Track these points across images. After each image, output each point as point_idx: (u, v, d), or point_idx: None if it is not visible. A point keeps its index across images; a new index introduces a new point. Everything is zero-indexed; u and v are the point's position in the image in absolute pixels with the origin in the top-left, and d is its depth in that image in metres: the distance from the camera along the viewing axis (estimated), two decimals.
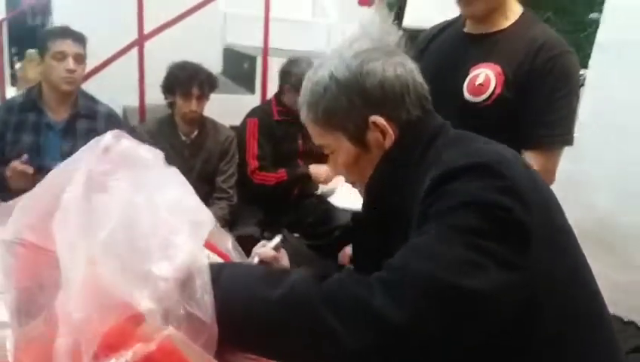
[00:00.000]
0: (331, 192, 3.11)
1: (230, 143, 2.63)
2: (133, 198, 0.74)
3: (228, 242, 1.26)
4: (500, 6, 1.53)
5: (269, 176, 2.66)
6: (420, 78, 0.95)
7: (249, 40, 3.89)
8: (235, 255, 1.22)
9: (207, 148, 2.57)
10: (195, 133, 2.55)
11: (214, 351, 0.65)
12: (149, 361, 0.56)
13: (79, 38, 2.21)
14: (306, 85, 0.96)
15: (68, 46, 2.16)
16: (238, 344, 0.73)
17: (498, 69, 1.49)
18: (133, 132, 2.68)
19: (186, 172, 2.45)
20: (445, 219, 0.75)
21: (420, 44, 1.79)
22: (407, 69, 0.92)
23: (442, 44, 1.68)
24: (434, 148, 0.89)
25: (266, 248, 1.17)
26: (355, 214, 1.03)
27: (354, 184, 1.03)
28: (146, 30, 2.91)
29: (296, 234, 2.82)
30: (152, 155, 0.90)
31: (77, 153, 0.98)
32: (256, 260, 1.15)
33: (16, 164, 2.02)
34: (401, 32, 1.00)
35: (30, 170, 2.01)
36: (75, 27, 2.27)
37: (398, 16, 3.58)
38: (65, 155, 2.18)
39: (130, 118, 3.25)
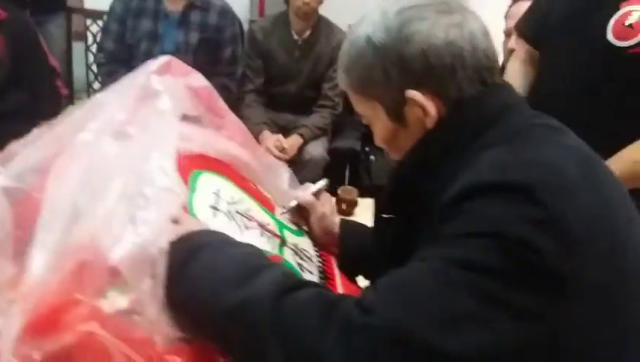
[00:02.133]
0: None
1: None
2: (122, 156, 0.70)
3: (283, 179, 1.22)
4: None
5: None
6: (484, 42, 0.74)
7: None
8: (286, 194, 1.18)
9: (318, 50, 2.46)
10: (308, 32, 2.44)
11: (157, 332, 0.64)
12: (69, 353, 0.55)
13: None
14: (344, 45, 0.80)
15: None
16: (193, 328, 0.69)
17: None
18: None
19: (295, 74, 2.47)
20: (449, 249, 0.61)
21: None
22: (464, 31, 0.72)
23: None
24: (485, 138, 0.71)
25: (305, 193, 1.11)
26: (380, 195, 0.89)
27: None
28: None
29: None
30: (170, 106, 0.83)
31: (120, 83, 0.95)
32: (293, 204, 1.10)
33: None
34: None
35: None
36: None
37: None
38: (179, 45, 2.27)
39: (255, 9, 3.20)
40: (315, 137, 2.45)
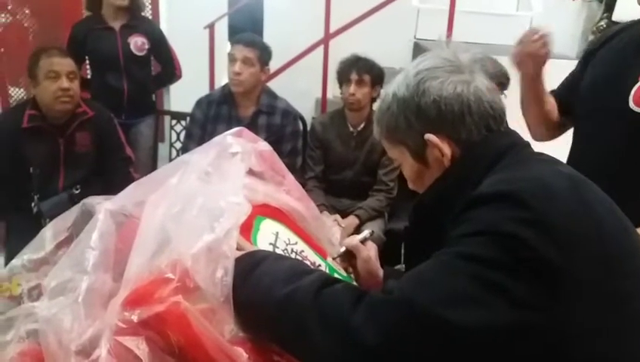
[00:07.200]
0: None
1: None
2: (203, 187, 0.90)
3: (335, 236, 1.39)
4: None
5: None
6: (490, 96, 0.91)
7: (440, 34, 3.87)
8: (336, 247, 1.34)
9: (372, 140, 2.68)
10: (362, 125, 2.69)
11: (226, 326, 0.79)
12: (159, 319, 0.71)
13: (250, 43, 2.45)
14: (378, 103, 1.01)
15: (238, 50, 2.43)
16: (253, 328, 0.84)
17: None
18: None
19: (351, 162, 2.70)
20: (457, 246, 0.74)
21: (590, 45, 1.65)
22: (471, 87, 0.89)
23: (614, 47, 1.52)
24: (493, 172, 0.86)
25: (352, 239, 1.26)
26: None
27: None
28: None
29: None
30: (240, 157, 1.04)
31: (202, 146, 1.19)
32: (342, 249, 1.26)
33: None
34: (478, 51, 0.97)
35: None
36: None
37: (609, 9, 3.20)
38: None
39: (318, 109, 3.55)
40: (371, 218, 2.61)
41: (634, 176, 1.35)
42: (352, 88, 2.57)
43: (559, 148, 1.67)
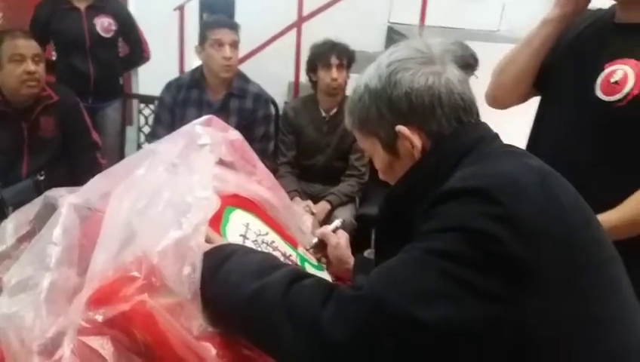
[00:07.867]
0: None
1: None
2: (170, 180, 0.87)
3: (306, 224, 1.39)
4: None
5: None
6: (460, 88, 0.91)
7: (414, 19, 3.86)
8: (307, 236, 1.34)
9: (344, 125, 2.65)
10: (335, 110, 2.67)
11: (194, 321, 0.77)
12: (125, 318, 0.70)
13: (234, 26, 2.41)
14: (351, 93, 0.99)
15: (225, 34, 2.35)
16: (222, 323, 0.83)
17: None
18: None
19: (323, 147, 2.68)
20: (425, 242, 0.74)
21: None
22: (442, 78, 0.89)
23: (582, 33, 1.53)
24: (462, 166, 0.85)
25: (324, 228, 1.26)
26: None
27: None
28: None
29: None
30: (209, 148, 1.01)
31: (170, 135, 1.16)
32: (315, 240, 1.26)
33: None
34: (450, 40, 0.96)
35: None
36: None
37: None
38: None
39: (291, 93, 3.52)
40: (343, 203, 2.62)
41: (605, 165, 1.36)
42: (335, 73, 2.54)
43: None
